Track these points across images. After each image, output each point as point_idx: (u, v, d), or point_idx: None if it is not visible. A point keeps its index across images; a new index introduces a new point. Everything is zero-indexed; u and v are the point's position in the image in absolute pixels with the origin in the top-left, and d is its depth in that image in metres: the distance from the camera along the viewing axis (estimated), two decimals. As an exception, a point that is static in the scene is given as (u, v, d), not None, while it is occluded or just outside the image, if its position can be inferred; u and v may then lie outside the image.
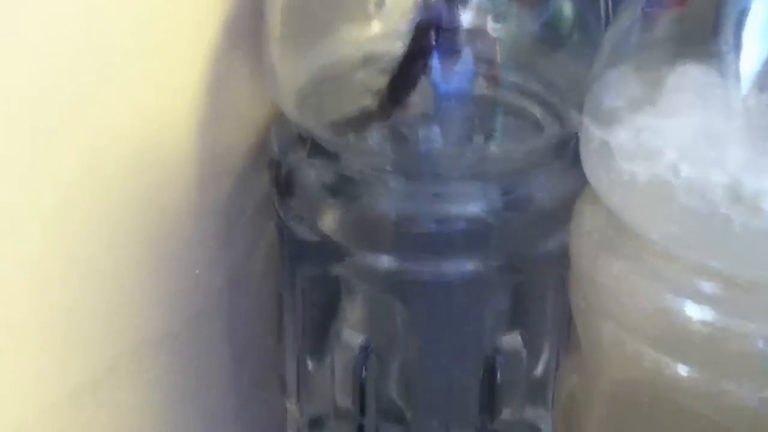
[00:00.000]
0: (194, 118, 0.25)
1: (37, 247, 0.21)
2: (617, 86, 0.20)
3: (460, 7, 0.25)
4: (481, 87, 0.26)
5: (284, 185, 0.27)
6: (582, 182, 0.21)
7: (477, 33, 0.25)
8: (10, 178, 0.20)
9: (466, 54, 0.25)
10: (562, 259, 0.22)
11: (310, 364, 0.29)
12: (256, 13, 0.26)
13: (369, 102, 0.26)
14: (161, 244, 0.25)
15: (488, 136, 0.26)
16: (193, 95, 0.25)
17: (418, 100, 0.25)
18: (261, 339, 0.31)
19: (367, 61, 0.27)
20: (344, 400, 0.28)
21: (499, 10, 0.25)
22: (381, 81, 0.26)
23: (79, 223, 0.22)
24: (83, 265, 0.23)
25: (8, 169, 0.20)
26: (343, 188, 0.26)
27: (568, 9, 0.26)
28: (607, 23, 0.25)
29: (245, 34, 0.26)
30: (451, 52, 0.25)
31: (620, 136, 0.19)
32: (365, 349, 0.27)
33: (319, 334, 0.29)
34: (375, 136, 0.26)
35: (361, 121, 0.26)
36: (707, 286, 0.18)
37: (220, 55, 0.25)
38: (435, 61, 0.25)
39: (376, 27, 0.27)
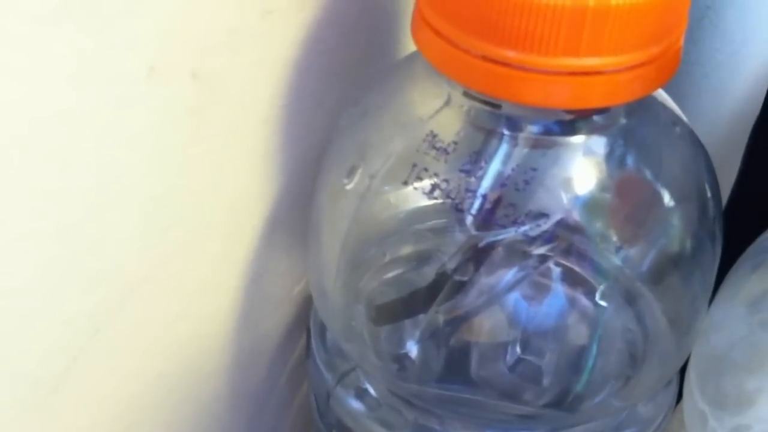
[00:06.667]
0: (234, 309, 0.25)
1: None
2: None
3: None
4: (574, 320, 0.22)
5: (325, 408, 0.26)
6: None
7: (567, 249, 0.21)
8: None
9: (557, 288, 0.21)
10: None
11: None
12: (293, 204, 0.25)
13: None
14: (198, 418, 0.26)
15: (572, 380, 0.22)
16: (234, 286, 0.25)
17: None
18: None
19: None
20: None
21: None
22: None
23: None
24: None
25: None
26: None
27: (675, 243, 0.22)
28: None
29: (285, 222, 0.25)
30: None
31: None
32: None
33: None
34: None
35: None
36: None
37: (260, 243, 0.25)
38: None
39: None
